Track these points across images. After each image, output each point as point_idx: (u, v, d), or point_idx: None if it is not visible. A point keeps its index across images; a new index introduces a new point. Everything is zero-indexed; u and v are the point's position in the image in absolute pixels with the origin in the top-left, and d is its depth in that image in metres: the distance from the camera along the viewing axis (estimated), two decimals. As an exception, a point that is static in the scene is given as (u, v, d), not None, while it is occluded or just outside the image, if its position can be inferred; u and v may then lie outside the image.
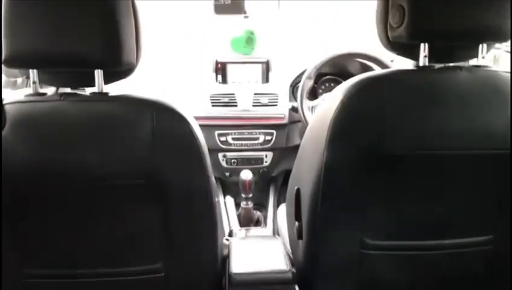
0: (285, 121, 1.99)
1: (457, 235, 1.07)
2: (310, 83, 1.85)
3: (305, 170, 1.08)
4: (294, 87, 2.02)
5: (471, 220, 1.05)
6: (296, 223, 1.13)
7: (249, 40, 1.96)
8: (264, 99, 1.99)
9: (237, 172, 1.95)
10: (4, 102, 0.90)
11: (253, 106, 1.98)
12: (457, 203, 1.03)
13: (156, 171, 0.93)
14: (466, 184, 1.02)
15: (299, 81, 1.90)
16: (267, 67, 2.04)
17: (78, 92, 0.98)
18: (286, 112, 1.99)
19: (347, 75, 2.06)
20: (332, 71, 2.03)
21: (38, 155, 0.90)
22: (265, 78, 2.05)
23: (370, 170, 0.97)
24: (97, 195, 0.94)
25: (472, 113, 0.96)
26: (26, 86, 1.84)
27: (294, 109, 1.96)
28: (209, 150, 1.02)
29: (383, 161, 0.96)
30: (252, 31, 1.97)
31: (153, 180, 0.93)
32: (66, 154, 0.91)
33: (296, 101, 1.93)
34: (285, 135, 2.01)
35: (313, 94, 2.04)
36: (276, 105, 1.99)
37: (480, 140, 0.96)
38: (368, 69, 1.93)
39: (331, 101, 0.99)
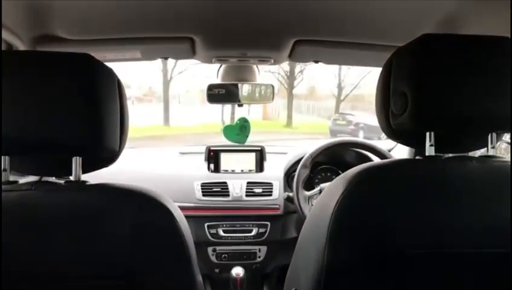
0: (280, 212, 1.89)
1: None
2: (306, 172, 1.78)
3: (303, 270, 0.96)
4: (289, 176, 1.94)
5: None
6: None
7: (243, 127, 1.92)
8: (258, 189, 1.90)
9: (228, 268, 1.80)
10: None
11: (247, 195, 1.89)
12: None
13: (137, 270, 0.81)
14: (478, 288, 0.90)
15: (295, 170, 1.84)
16: (261, 156, 1.99)
17: (53, 180, 0.89)
18: (281, 203, 1.90)
19: (343, 165, 2.01)
20: (328, 160, 1.97)
21: (9, 251, 0.79)
22: (259, 167, 1.98)
23: (376, 272, 0.86)
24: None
25: (485, 207, 0.87)
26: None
27: (289, 199, 1.86)
28: (198, 243, 0.91)
29: (391, 261, 0.85)
30: (246, 118, 1.94)
31: (134, 281, 0.81)
32: (36, 250, 0.80)
33: (291, 190, 1.85)
34: (280, 227, 1.89)
35: (310, 184, 1.96)
36: (270, 195, 1.90)
37: (493, 237, 0.86)
38: (364, 158, 1.88)
39: (332, 193, 0.90)
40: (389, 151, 1.94)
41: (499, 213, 0.87)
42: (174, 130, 13.80)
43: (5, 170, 0.86)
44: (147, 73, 16.17)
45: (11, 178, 0.87)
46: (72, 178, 0.85)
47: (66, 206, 0.83)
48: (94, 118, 0.81)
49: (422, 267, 0.87)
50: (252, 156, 1.98)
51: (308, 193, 1.80)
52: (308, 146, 1.91)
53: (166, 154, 2.20)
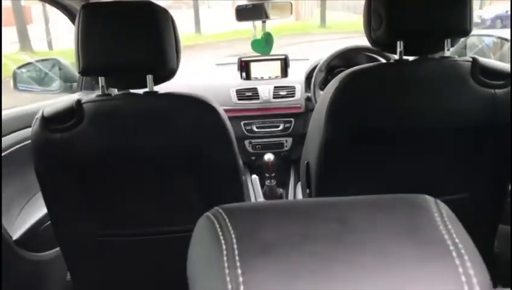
0: (302, 110, 2.27)
1: (437, 194, 1.33)
2: (322, 75, 2.12)
3: (312, 145, 1.36)
4: (309, 79, 2.29)
5: (446, 182, 1.31)
6: (307, 190, 1.42)
7: (267, 41, 2.24)
8: (283, 92, 2.27)
9: (261, 156, 2.24)
10: (82, 101, 1.21)
11: (274, 98, 2.27)
12: (434, 169, 1.29)
13: (194, 149, 1.22)
14: (439, 153, 1.28)
15: (314, 74, 2.18)
16: (285, 63, 2.32)
17: (135, 92, 1.29)
18: (303, 102, 2.27)
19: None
20: (343, 64, 2.29)
21: (108, 140, 1.21)
22: (284, 73, 2.32)
23: (361, 143, 1.24)
24: (152, 169, 1.25)
25: (439, 94, 1.22)
26: (81, 89, 2.19)
27: (309, 99, 2.23)
28: (237, 138, 1.30)
29: (372, 135, 1.23)
30: (270, 33, 2.25)
31: (193, 157, 1.23)
32: (128, 139, 1.22)
33: (310, 92, 2.21)
34: (303, 122, 2.28)
35: (326, 85, 2.30)
36: (293, 96, 2.27)
37: (445, 116, 1.22)
38: (373, 60, 2.18)
39: (329, 88, 1.27)
40: None
41: (450, 98, 1.22)
42: (205, 38, 13.82)
43: (102, 86, 1.26)
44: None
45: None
46: (147, 90, 1.25)
47: (146, 109, 1.23)
48: (160, 47, 1.18)
49: (395, 140, 1.25)
50: (278, 64, 2.32)
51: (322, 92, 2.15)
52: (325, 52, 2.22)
53: (205, 66, 2.58)
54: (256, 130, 2.28)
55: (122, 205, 1.29)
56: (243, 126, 2.26)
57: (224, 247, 0.34)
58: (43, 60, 2.19)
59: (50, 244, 1.54)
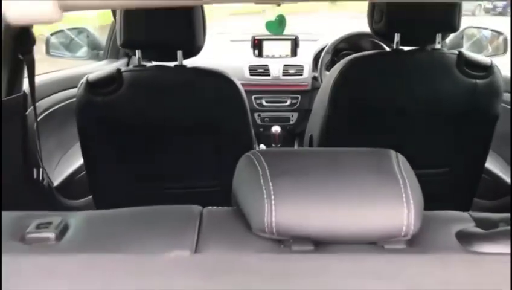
0: (308, 88, 2.47)
1: (422, 167, 1.55)
2: (328, 57, 2.32)
3: (316, 120, 1.57)
4: (316, 60, 2.48)
5: (430, 157, 1.52)
6: None
7: (280, 22, 2.43)
8: (292, 70, 2.47)
9: (269, 128, 2.45)
10: (122, 70, 1.41)
11: (283, 75, 2.46)
12: (420, 145, 1.50)
13: (216, 117, 1.43)
14: (425, 131, 1.49)
15: (321, 55, 2.37)
16: (295, 43, 2.50)
17: (166, 64, 1.49)
18: (309, 81, 2.46)
19: (361, 51, 2.50)
20: (349, 47, 2.47)
21: (143, 105, 1.42)
22: (294, 52, 2.50)
23: (358, 119, 1.45)
24: (179, 132, 1.46)
25: (427, 81, 1.42)
26: (107, 57, 2.39)
27: (315, 78, 2.43)
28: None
29: (368, 114, 1.44)
30: (283, 15, 2.43)
31: (214, 123, 1.43)
32: (160, 104, 1.42)
33: (317, 71, 2.40)
34: (308, 99, 2.48)
35: (332, 66, 2.49)
36: (301, 75, 2.47)
37: (432, 100, 1.43)
38: (376, 45, 2.37)
39: (334, 71, 1.47)
40: None
41: (437, 84, 1.42)
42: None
43: (139, 58, 1.46)
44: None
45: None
46: (177, 63, 1.45)
47: (175, 79, 1.43)
48: (189, 26, 1.37)
49: (388, 118, 1.45)
50: (288, 44, 2.50)
51: (328, 73, 2.35)
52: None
53: (220, 42, 2.76)
54: (265, 104, 2.48)
55: (152, 162, 1.51)
56: (253, 100, 2.47)
57: (260, 171, 0.56)
58: (73, 29, 2.38)
59: (83, 193, 1.76)
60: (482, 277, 0.44)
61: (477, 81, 1.40)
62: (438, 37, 1.43)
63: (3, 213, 0.57)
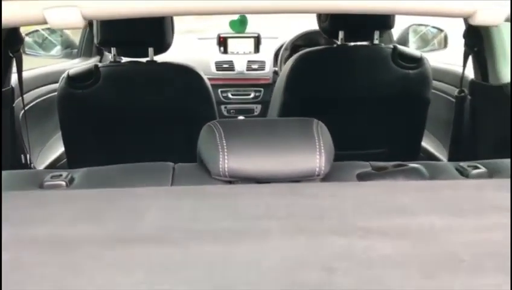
0: (270, 81, 2.68)
1: (363, 148, 1.78)
2: (287, 53, 2.54)
3: (274, 107, 1.78)
4: (277, 56, 2.70)
5: (370, 139, 1.76)
6: None
7: (242, 22, 2.63)
8: (255, 65, 2.68)
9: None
10: (99, 65, 1.58)
11: (247, 70, 2.67)
12: (361, 128, 1.73)
13: (185, 107, 1.62)
14: (365, 116, 1.72)
15: (280, 51, 2.59)
16: (257, 41, 2.70)
17: (138, 60, 1.66)
18: (271, 75, 2.68)
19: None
20: (305, 43, 2.69)
21: (119, 97, 1.59)
22: (257, 49, 2.70)
23: (309, 107, 1.67)
24: (151, 121, 1.64)
25: (367, 72, 1.65)
26: (80, 56, 2.53)
27: (276, 73, 2.64)
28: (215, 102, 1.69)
29: (317, 102, 1.66)
30: (244, 15, 2.63)
31: (184, 113, 1.62)
32: (134, 96, 1.60)
33: (277, 66, 2.62)
34: (270, 92, 2.68)
35: (291, 61, 2.72)
36: (264, 70, 2.68)
37: (371, 88, 1.66)
38: (330, 41, 2.59)
39: (287, 64, 1.68)
40: None
41: (375, 75, 1.65)
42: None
43: (114, 55, 1.63)
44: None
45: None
46: (149, 59, 1.63)
47: (147, 73, 1.61)
48: (159, 26, 1.56)
49: (335, 107, 1.68)
50: (251, 41, 2.70)
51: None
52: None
53: (189, 40, 2.95)
54: (231, 97, 2.68)
55: (127, 148, 1.68)
56: (220, 93, 2.66)
57: (217, 133, 0.76)
58: (47, 28, 2.51)
59: None
60: (367, 197, 0.65)
61: (410, 71, 1.64)
62: (376, 33, 1.67)
63: (23, 171, 0.75)
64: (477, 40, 1.55)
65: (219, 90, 2.66)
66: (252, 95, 2.70)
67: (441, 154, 2.00)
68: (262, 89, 2.69)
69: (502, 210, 0.60)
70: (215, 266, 0.51)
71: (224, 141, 0.74)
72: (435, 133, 2.04)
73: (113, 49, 1.62)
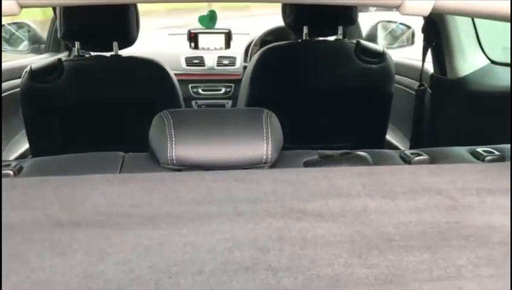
0: (240, 77, 2.69)
1: (327, 143, 1.81)
2: (256, 48, 2.55)
3: (240, 102, 1.80)
4: (247, 51, 2.71)
5: (334, 134, 1.79)
6: None
7: (211, 17, 2.64)
8: (226, 61, 2.69)
9: (206, 114, 2.65)
10: (63, 59, 1.58)
11: (217, 65, 2.68)
12: (325, 123, 1.76)
13: (149, 98, 1.62)
14: (329, 110, 1.75)
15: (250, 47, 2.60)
16: (228, 37, 2.71)
17: (103, 54, 1.66)
18: (241, 71, 2.69)
19: None
20: (274, 39, 2.71)
21: (82, 91, 1.59)
22: (227, 45, 2.72)
23: (274, 100, 1.69)
24: (115, 113, 1.64)
25: (331, 66, 1.68)
26: (48, 51, 2.51)
27: (246, 68, 2.66)
28: (186, 98, 1.70)
29: (281, 95, 1.69)
30: (214, 10, 2.64)
31: (147, 104, 1.62)
32: (98, 90, 1.60)
33: (248, 62, 2.63)
34: (240, 87, 2.71)
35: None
36: (234, 65, 2.69)
37: (334, 82, 1.69)
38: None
39: (253, 58, 1.70)
40: None
41: (338, 69, 1.69)
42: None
43: (78, 49, 1.62)
44: None
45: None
46: (113, 53, 1.62)
47: (111, 67, 1.61)
48: (123, 20, 1.56)
49: (299, 100, 1.70)
50: (222, 37, 2.71)
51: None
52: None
53: (159, 35, 2.94)
54: (201, 92, 2.69)
55: (91, 141, 1.68)
56: (190, 88, 2.67)
57: (166, 122, 0.77)
58: (13, 23, 2.48)
59: None
60: (307, 181, 0.67)
61: (372, 66, 1.68)
62: (340, 29, 1.70)
63: None
64: (435, 34, 1.60)
65: (189, 85, 2.66)
66: (223, 90, 2.71)
67: (405, 147, 2.04)
68: (232, 85, 2.70)
69: (433, 192, 0.63)
70: (153, 248, 0.52)
71: (172, 130, 0.75)
72: (399, 126, 2.09)
73: (77, 43, 1.62)
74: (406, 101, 1.97)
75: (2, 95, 1.87)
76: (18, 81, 1.65)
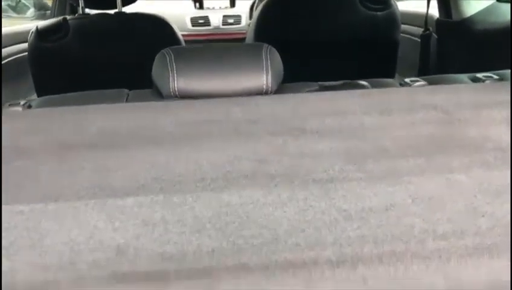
0: (246, 35, 2.68)
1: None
2: (260, 3, 2.53)
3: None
4: (252, 9, 2.69)
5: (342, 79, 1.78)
6: None
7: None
8: (231, 20, 2.68)
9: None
10: (68, 18, 1.59)
11: (223, 25, 2.67)
12: (331, 70, 1.76)
13: (155, 53, 1.63)
14: (335, 57, 1.74)
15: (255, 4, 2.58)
16: None
17: (107, 11, 1.66)
18: (247, 29, 2.67)
19: None
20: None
21: (89, 48, 1.61)
22: (232, 4, 2.70)
23: (280, 48, 1.69)
24: (123, 72, 1.65)
25: (335, 15, 1.67)
26: (54, 16, 2.51)
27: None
28: None
29: (287, 45, 1.68)
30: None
31: (153, 58, 1.64)
32: (104, 47, 1.61)
33: (253, 19, 2.62)
34: (246, 40, 2.71)
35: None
36: (239, 24, 2.68)
37: (340, 31, 1.68)
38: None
39: (258, 9, 1.70)
40: None
41: (343, 18, 1.67)
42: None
43: (82, 7, 1.63)
44: None
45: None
46: (117, 10, 1.63)
47: (116, 24, 1.62)
48: None
49: (304, 50, 1.70)
50: (226, -5, 2.69)
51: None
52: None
53: None
54: (208, 52, 2.69)
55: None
56: None
57: (167, 58, 0.79)
58: (19, -10, 2.49)
59: None
60: (306, 104, 0.69)
61: (378, 13, 1.66)
62: None
63: None
64: None
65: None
66: None
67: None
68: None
69: (429, 108, 0.64)
70: (158, 163, 0.55)
71: (174, 64, 0.77)
72: (406, 76, 2.07)
73: (80, 1, 1.62)
74: (413, 50, 1.96)
75: (12, 58, 1.89)
76: (24, 45, 1.67)
